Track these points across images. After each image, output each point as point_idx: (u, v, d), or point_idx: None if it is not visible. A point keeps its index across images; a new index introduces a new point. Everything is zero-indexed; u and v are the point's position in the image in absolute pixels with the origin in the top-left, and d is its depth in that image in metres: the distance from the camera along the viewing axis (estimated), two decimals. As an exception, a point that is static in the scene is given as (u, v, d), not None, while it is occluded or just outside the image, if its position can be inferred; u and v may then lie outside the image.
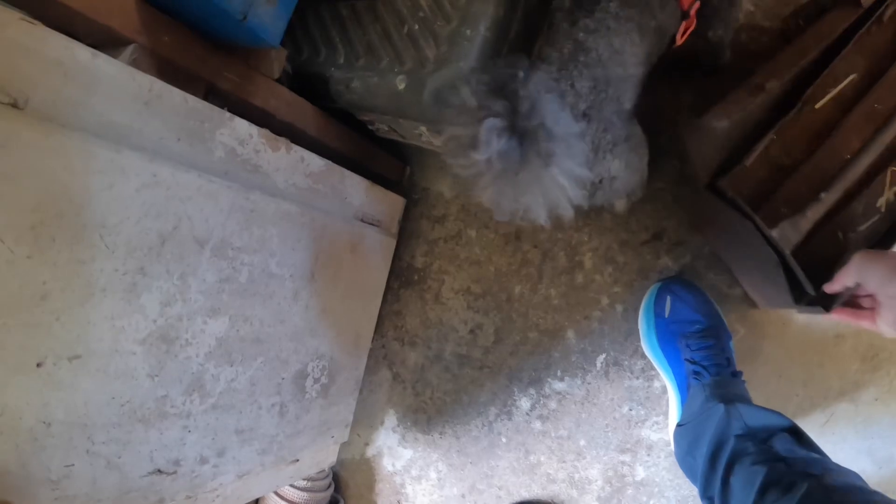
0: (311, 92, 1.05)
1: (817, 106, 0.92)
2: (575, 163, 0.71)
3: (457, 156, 0.70)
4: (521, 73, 0.69)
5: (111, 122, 0.68)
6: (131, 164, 0.70)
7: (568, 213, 0.73)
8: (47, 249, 0.63)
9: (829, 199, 0.86)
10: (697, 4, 0.91)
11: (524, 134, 0.67)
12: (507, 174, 0.69)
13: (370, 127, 1.17)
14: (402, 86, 0.96)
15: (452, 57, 0.93)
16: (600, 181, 0.86)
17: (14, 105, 0.59)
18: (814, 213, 0.85)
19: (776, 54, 0.93)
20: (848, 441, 1.12)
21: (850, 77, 0.92)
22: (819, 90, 0.91)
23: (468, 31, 0.93)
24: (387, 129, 1.14)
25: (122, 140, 0.69)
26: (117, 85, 0.68)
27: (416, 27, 0.97)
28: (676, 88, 1.19)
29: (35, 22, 0.61)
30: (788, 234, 0.84)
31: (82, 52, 0.65)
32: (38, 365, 0.64)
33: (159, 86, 0.73)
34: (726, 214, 0.90)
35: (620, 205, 1.17)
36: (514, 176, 0.69)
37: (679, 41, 0.94)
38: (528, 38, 1.00)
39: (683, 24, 0.91)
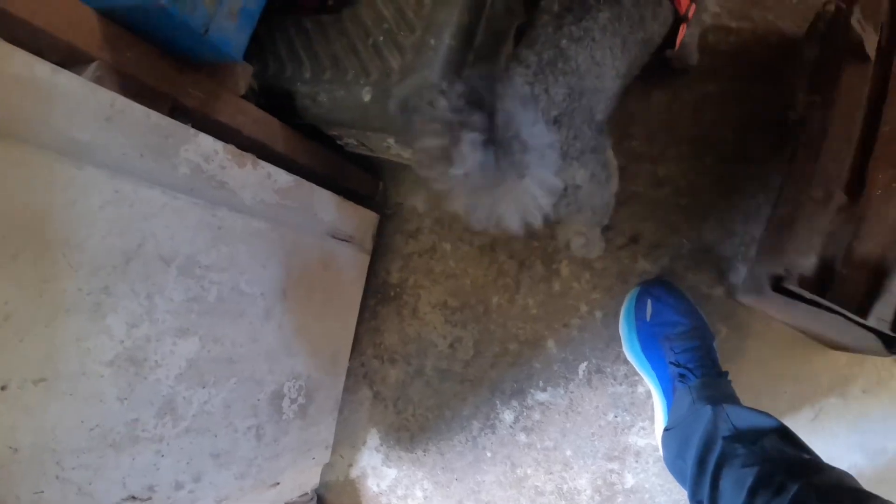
0: (279, 108, 1.04)
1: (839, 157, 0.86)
2: (547, 172, 0.71)
3: (430, 168, 0.70)
4: (498, 86, 0.69)
5: (73, 138, 0.67)
6: (94, 180, 0.69)
7: (537, 221, 0.73)
8: (9, 267, 0.61)
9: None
10: (694, 7, 0.93)
11: (500, 146, 0.67)
12: (483, 186, 0.69)
13: (339, 142, 1.16)
14: (368, 97, 0.96)
15: (417, 66, 0.93)
16: (565, 189, 0.86)
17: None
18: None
19: (817, 153, 0.87)
20: (839, 436, 1.12)
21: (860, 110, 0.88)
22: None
23: (432, 41, 0.93)
24: (355, 143, 1.13)
25: (85, 156, 0.68)
26: (78, 101, 0.67)
27: (381, 38, 0.97)
28: (648, 92, 1.20)
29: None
30: (884, 315, 0.81)
31: (42, 68, 0.64)
32: (3, 388, 0.62)
33: (121, 102, 0.72)
34: (806, 311, 0.84)
35: (597, 250, 1.19)
36: (489, 188, 0.69)
37: (678, 44, 0.96)
38: (494, 44, 1.00)
39: (682, 26, 0.93)
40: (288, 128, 1.06)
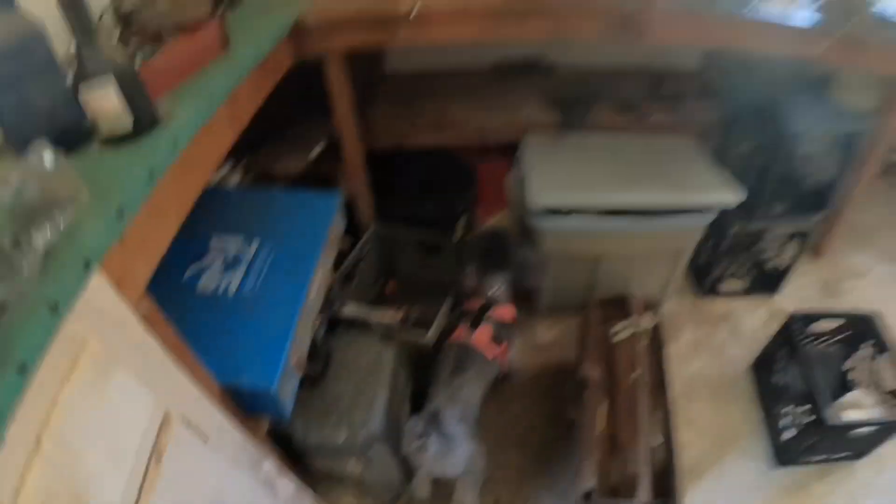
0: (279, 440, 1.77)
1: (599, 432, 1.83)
2: (468, 442, 1.69)
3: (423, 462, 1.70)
4: (439, 414, 1.69)
5: (232, 456, 1.39)
6: (240, 475, 1.40)
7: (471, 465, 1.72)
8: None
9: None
10: (507, 358, 2.02)
11: (448, 438, 1.64)
12: (441, 459, 1.66)
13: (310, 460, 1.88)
14: (342, 440, 1.71)
15: (368, 425, 1.72)
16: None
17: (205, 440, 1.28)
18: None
19: (585, 438, 1.80)
20: None
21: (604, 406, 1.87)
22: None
23: (374, 408, 1.75)
24: (325, 465, 1.87)
25: (238, 463, 1.39)
26: (235, 440, 1.41)
27: (344, 407, 1.75)
28: (488, 407, 2.10)
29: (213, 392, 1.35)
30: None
31: (218, 416, 1.37)
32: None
33: (242, 438, 1.45)
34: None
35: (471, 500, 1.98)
36: (445, 457, 1.69)
37: (503, 375, 2.05)
38: (401, 403, 1.85)
39: (504, 368, 2.05)
40: (283, 453, 1.77)
